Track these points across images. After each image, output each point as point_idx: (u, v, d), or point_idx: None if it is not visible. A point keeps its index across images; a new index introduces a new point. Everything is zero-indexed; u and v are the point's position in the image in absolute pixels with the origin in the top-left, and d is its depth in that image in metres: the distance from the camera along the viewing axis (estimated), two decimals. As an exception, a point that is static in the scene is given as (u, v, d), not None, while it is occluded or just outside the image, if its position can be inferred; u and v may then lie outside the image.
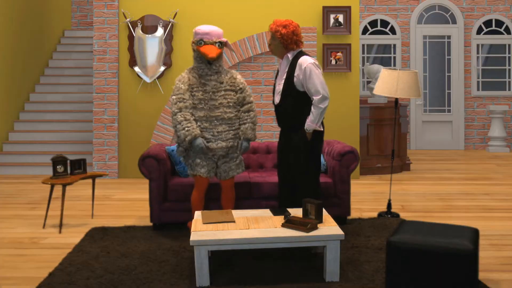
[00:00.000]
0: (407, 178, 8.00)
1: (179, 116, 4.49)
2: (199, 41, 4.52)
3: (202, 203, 4.72)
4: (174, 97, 4.54)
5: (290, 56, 4.42)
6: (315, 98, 4.30)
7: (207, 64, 4.57)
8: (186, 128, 4.46)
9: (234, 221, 4.02)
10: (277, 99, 4.47)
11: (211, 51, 4.47)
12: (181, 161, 4.81)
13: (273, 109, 8.09)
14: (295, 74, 4.34)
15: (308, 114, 4.39)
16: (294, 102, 4.39)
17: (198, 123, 4.54)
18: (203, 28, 4.56)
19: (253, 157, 5.80)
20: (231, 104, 4.58)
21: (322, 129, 4.42)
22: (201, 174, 4.59)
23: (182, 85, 4.54)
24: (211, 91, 4.55)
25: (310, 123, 4.34)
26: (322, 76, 4.36)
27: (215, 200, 5.07)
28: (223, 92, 4.58)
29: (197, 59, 4.60)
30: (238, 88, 4.66)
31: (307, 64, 4.31)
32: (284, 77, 4.41)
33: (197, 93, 4.54)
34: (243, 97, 4.66)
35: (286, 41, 4.36)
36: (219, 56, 4.58)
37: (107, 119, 8.08)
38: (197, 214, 4.27)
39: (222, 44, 4.58)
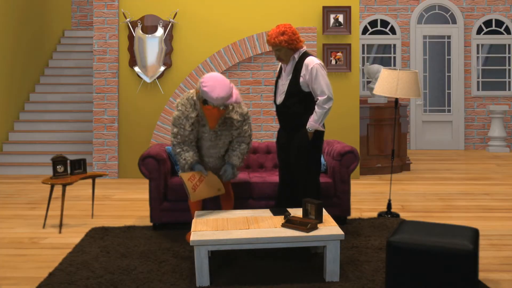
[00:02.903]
0: (407, 178, 8.00)
1: (177, 148, 4.42)
2: (204, 100, 4.20)
3: (199, 204, 4.72)
4: (175, 129, 4.37)
5: (296, 56, 4.43)
6: (320, 99, 4.32)
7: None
8: (184, 158, 4.41)
9: (224, 192, 4.36)
10: (280, 99, 4.47)
11: (212, 121, 4.24)
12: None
13: (273, 109, 8.09)
14: (301, 74, 4.35)
15: (311, 114, 4.40)
16: (298, 102, 4.39)
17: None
18: (212, 93, 4.11)
19: (253, 157, 5.80)
20: (227, 142, 4.53)
21: (323, 129, 4.44)
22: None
23: (186, 123, 4.31)
24: (215, 132, 4.43)
25: (313, 123, 4.35)
26: (327, 78, 4.38)
27: (213, 200, 5.07)
28: (224, 133, 4.46)
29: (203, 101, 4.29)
30: (238, 124, 4.46)
31: (313, 65, 4.32)
32: (290, 77, 4.42)
33: (203, 127, 4.42)
34: (238, 132, 4.50)
35: (292, 44, 4.38)
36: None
37: (107, 119, 8.08)
38: (197, 214, 4.28)
39: (224, 107, 4.25)
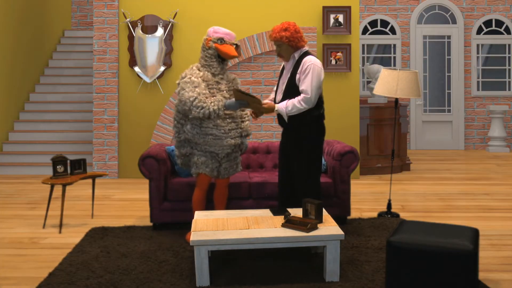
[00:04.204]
0: (407, 178, 8.00)
1: (199, 107, 4.42)
2: (220, 40, 4.59)
3: (204, 203, 4.72)
4: (189, 86, 4.47)
5: (296, 55, 4.42)
6: (303, 95, 4.27)
7: (219, 63, 4.64)
8: (213, 103, 4.44)
9: (261, 103, 4.31)
10: (279, 97, 4.46)
11: (232, 51, 4.58)
12: (179, 165, 4.83)
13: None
14: (298, 72, 4.34)
15: (309, 113, 4.37)
16: None
17: (210, 121, 4.54)
18: (223, 29, 4.67)
19: (253, 157, 5.80)
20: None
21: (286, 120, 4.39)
22: (206, 172, 4.61)
23: (195, 79, 4.52)
24: (225, 89, 4.62)
25: (284, 109, 4.30)
26: (321, 83, 4.33)
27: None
28: (230, 91, 4.64)
29: (210, 57, 4.62)
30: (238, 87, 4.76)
31: (310, 63, 4.30)
32: (288, 76, 4.41)
33: (212, 90, 4.57)
34: None
35: (293, 42, 4.36)
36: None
37: (107, 119, 8.08)
38: (197, 214, 4.27)
39: (237, 47, 4.69)
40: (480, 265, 4.16)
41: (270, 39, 4.44)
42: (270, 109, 4.37)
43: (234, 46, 4.65)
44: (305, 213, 4.00)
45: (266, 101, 4.50)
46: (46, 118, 9.39)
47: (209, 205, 5.09)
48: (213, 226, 3.91)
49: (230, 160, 4.72)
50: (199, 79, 4.53)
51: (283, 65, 4.59)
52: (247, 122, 4.77)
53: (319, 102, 4.43)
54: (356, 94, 8.05)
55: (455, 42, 11.40)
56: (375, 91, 5.66)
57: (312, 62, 4.31)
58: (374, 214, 5.79)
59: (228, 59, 4.60)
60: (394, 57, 11.50)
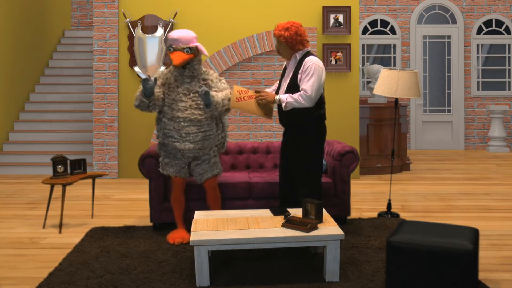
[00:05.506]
0: (407, 178, 8.00)
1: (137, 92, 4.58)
2: (169, 47, 4.50)
3: (181, 203, 4.76)
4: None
5: (298, 56, 4.42)
6: (303, 93, 4.26)
7: (179, 69, 4.55)
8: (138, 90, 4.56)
9: (271, 118, 4.40)
10: None
11: (176, 59, 4.44)
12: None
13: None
14: (299, 71, 4.34)
15: (310, 113, 4.37)
16: None
17: (168, 123, 4.55)
18: (173, 34, 4.50)
19: (253, 157, 5.80)
20: (200, 106, 4.54)
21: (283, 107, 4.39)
22: (170, 173, 4.69)
23: (153, 77, 4.60)
24: (182, 93, 4.55)
25: (285, 99, 4.30)
26: (322, 83, 4.33)
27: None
28: (191, 95, 4.55)
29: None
30: (213, 84, 4.62)
31: (311, 63, 4.29)
32: (290, 75, 4.41)
33: (172, 93, 4.57)
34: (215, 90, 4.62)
35: (291, 43, 4.36)
36: (189, 62, 4.52)
37: (107, 119, 8.08)
38: (197, 214, 4.27)
39: (192, 50, 4.49)
40: (480, 265, 4.16)
41: (273, 34, 4.46)
42: (271, 98, 4.36)
43: (185, 50, 4.46)
44: (305, 213, 4.00)
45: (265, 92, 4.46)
46: (46, 118, 9.39)
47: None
48: (213, 226, 3.91)
49: (200, 164, 4.68)
50: (158, 81, 4.59)
51: (285, 65, 4.59)
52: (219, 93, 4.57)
53: (321, 102, 4.43)
54: (356, 94, 8.05)
55: (455, 42, 11.41)
56: (375, 91, 5.66)
57: (313, 62, 4.30)
58: (374, 214, 5.79)
59: (175, 66, 4.50)
60: (394, 57, 11.50)
